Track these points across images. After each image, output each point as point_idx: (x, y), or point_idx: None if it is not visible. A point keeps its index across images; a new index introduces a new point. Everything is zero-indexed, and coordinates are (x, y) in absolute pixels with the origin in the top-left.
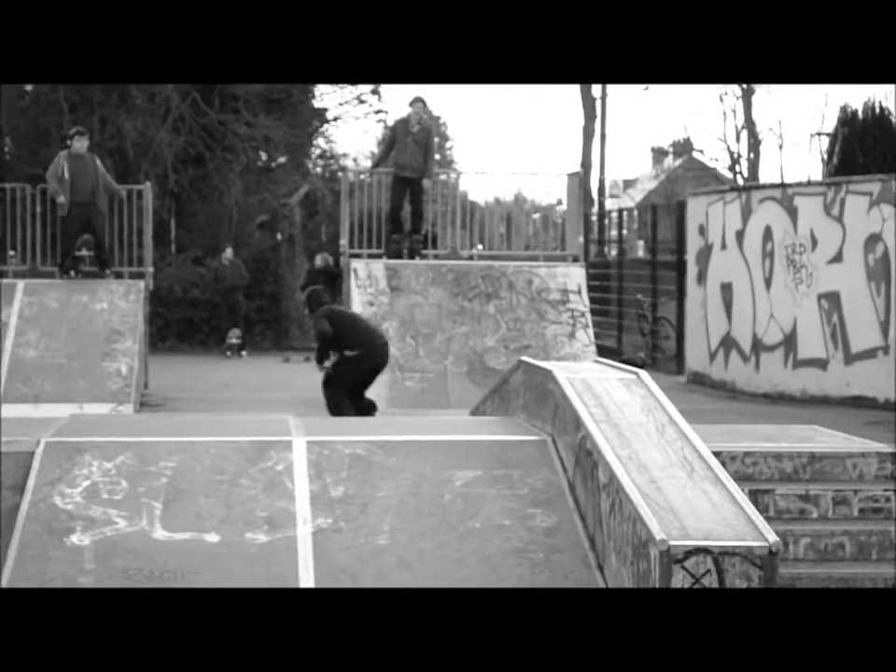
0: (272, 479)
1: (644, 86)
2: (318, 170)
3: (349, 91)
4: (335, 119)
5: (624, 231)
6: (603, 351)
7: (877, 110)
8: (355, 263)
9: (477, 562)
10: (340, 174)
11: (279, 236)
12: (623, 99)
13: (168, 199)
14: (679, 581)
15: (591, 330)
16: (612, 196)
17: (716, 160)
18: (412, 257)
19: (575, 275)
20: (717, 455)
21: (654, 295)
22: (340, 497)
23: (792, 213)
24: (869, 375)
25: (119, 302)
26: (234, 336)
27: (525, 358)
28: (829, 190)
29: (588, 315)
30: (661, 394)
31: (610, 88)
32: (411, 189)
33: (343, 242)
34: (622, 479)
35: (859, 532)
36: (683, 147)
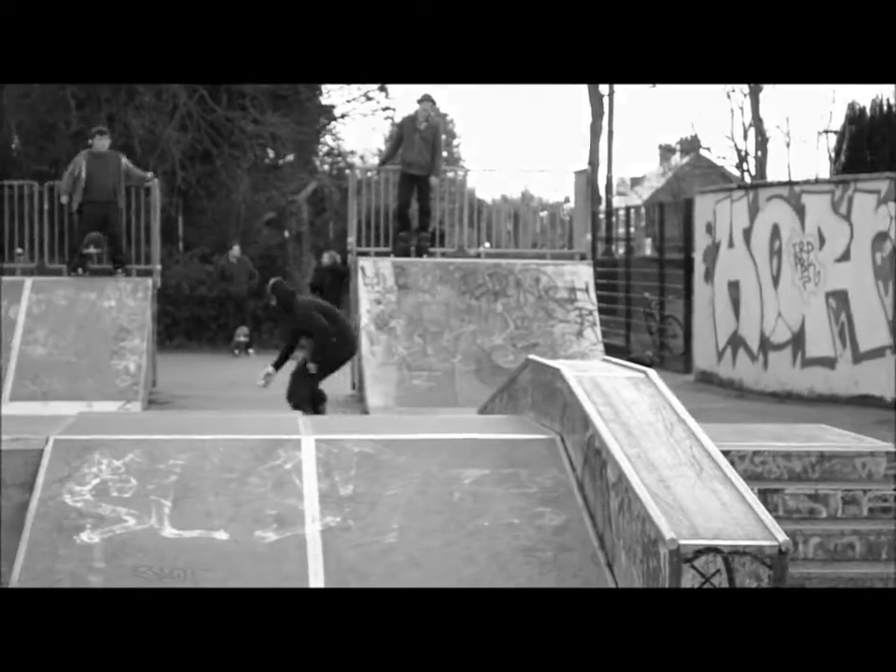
0: (281, 477)
1: (650, 85)
2: (326, 167)
3: (356, 88)
4: (342, 117)
5: (632, 229)
6: (611, 349)
7: (885, 108)
8: (362, 261)
9: (486, 560)
10: (347, 171)
11: (286, 234)
12: (631, 96)
13: (176, 196)
14: (689, 580)
15: (598, 329)
16: (620, 194)
17: (723, 157)
18: (419, 255)
19: (583, 273)
20: (726, 454)
21: (662, 293)
22: (349, 495)
23: (800, 211)
24: (877, 374)
25: (128, 300)
26: (242, 334)
27: (533, 357)
28: (836, 188)
29: (596, 314)
30: (669, 393)
31: (617, 86)
32: (418, 186)
33: (351, 240)
34: (630, 478)
35: (868, 532)
36: (691, 145)
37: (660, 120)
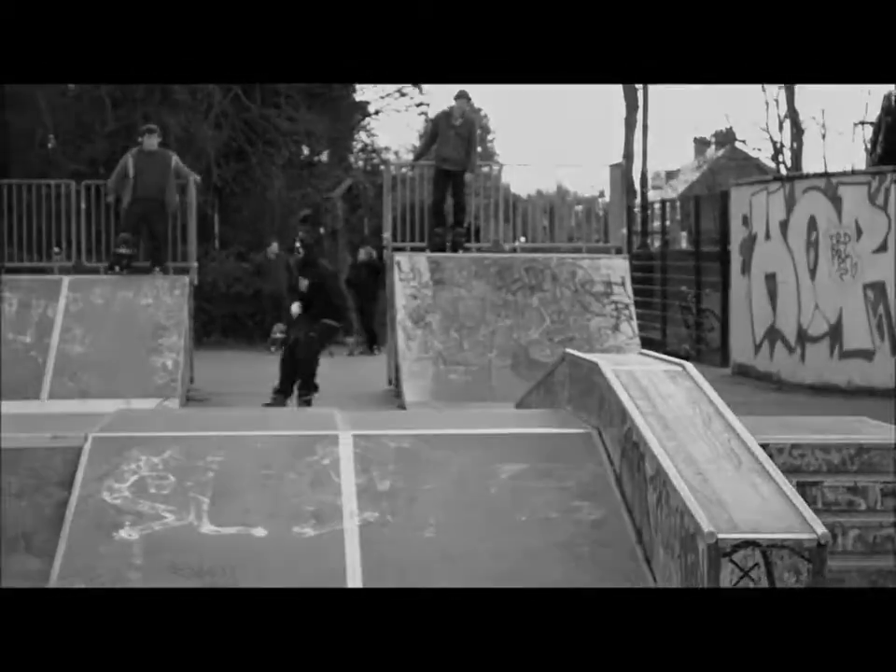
0: (318, 473)
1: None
2: (360, 164)
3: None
4: (376, 113)
5: (667, 223)
6: (647, 343)
7: None
8: (398, 257)
9: (523, 555)
10: (382, 167)
11: (321, 230)
12: (665, 89)
13: (211, 194)
14: (728, 574)
15: (635, 322)
16: (655, 187)
17: (759, 149)
18: (454, 250)
19: (618, 267)
20: (764, 447)
21: (698, 286)
22: (386, 490)
23: (837, 202)
24: None
25: (165, 298)
26: (279, 330)
27: (570, 351)
28: (873, 180)
29: (632, 307)
30: (707, 386)
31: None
32: (453, 182)
33: (387, 235)
34: (669, 471)
35: None
36: (726, 138)
37: (695, 113)
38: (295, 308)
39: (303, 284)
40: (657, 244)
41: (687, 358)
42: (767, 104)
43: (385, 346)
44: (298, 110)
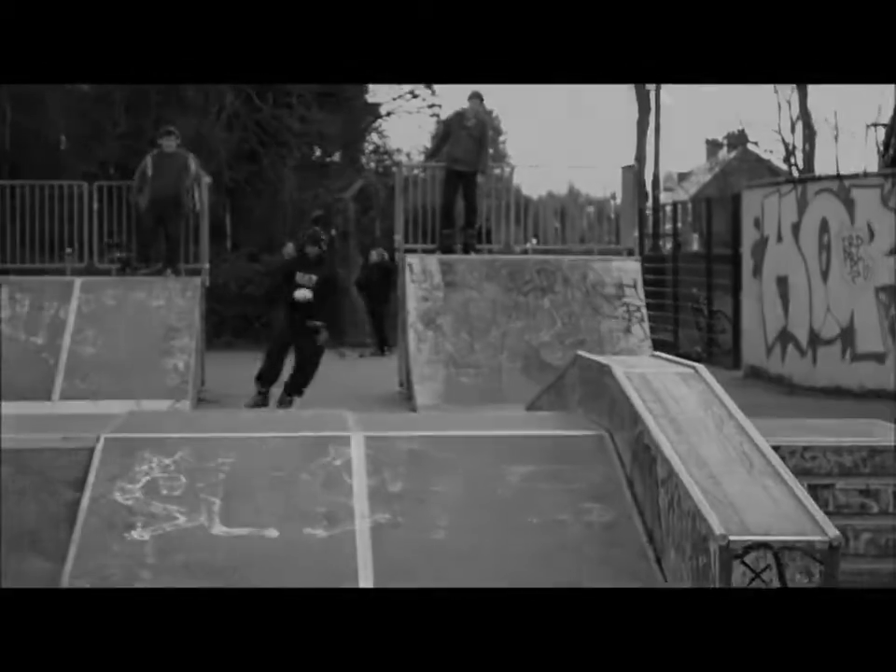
0: (330, 474)
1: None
2: (372, 165)
3: (402, 85)
4: (388, 114)
5: (679, 225)
6: (659, 345)
7: None
8: (409, 258)
9: (534, 557)
10: (394, 169)
11: (333, 231)
12: (677, 92)
13: (223, 195)
14: (739, 575)
15: (646, 325)
16: (667, 189)
17: (770, 151)
18: (466, 252)
19: (630, 269)
20: (776, 449)
21: (710, 289)
22: (398, 492)
23: (849, 205)
24: None
25: (177, 299)
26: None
27: (581, 353)
28: (886, 182)
29: (643, 310)
30: (719, 388)
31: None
32: (464, 183)
33: (398, 237)
34: (681, 474)
35: None
36: (738, 139)
37: (707, 115)
38: (304, 294)
39: (311, 279)
40: (669, 246)
41: (698, 361)
42: (780, 105)
43: (395, 348)
44: (310, 111)
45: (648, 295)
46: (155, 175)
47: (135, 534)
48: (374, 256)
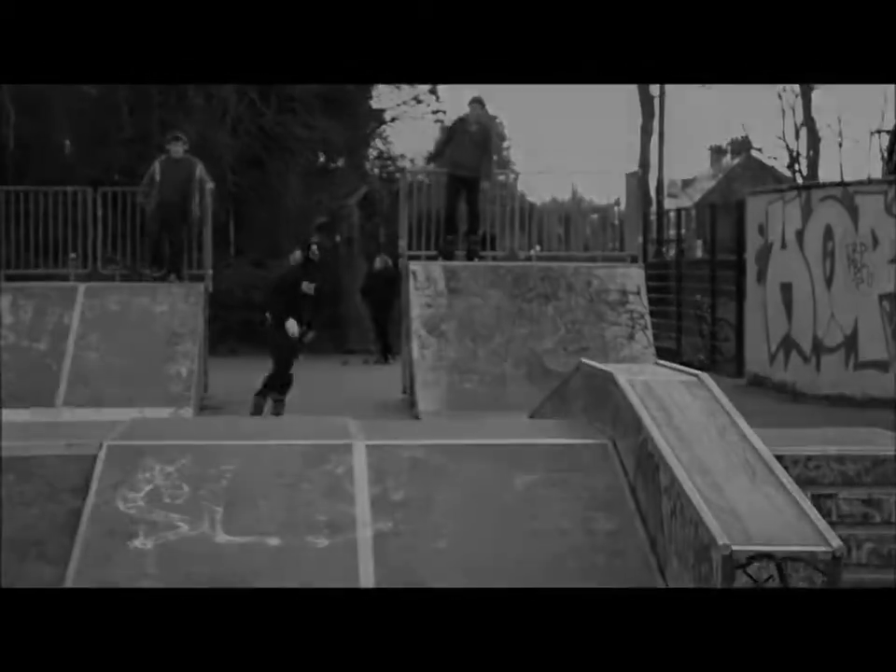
0: (332, 482)
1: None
2: (376, 171)
3: (406, 91)
4: (393, 120)
5: (683, 231)
6: (662, 352)
7: None
8: (413, 265)
9: (537, 565)
10: (398, 175)
11: (337, 238)
12: (681, 98)
13: (227, 201)
14: (742, 586)
15: (650, 332)
16: (671, 196)
17: (774, 158)
18: (469, 258)
19: (634, 276)
20: (779, 458)
21: (713, 296)
22: (400, 500)
23: (853, 212)
24: None
25: (180, 305)
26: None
27: (585, 360)
28: (890, 189)
29: (647, 317)
30: (723, 396)
31: (668, 87)
32: (467, 189)
33: (402, 243)
34: (683, 482)
35: None
36: (742, 146)
37: (711, 122)
38: (293, 328)
39: (309, 287)
40: (672, 252)
41: (702, 368)
42: (783, 112)
43: (399, 355)
44: (314, 117)
45: (651, 302)
46: (162, 181)
47: (138, 542)
48: (378, 262)
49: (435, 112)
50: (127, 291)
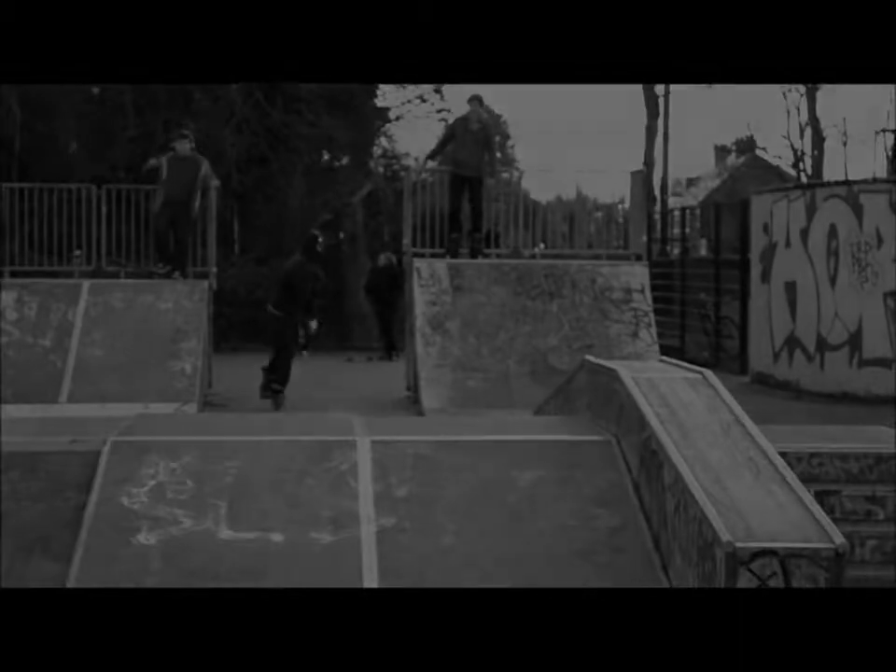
0: (336, 478)
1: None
2: (380, 169)
3: (411, 90)
4: (397, 119)
5: (687, 230)
6: (666, 350)
7: None
8: (418, 263)
9: (541, 562)
10: (402, 173)
11: (341, 235)
12: (686, 97)
13: (231, 199)
14: (745, 582)
15: (654, 330)
16: (675, 194)
17: (779, 157)
18: (473, 256)
19: (638, 274)
20: (783, 455)
21: (717, 294)
22: (404, 496)
23: (858, 210)
24: None
25: (184, 302)
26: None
27: (589, 358)
28: (894, 188)
29: (651, 315)
30: (726, 393)
31: (673, 86)
32: (470, 187)
33: (407, 241)
34: (687, 479)
35: None
36: (746, 145)
37: (715, 121)
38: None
39: (314, 325)
40: (677, 251)
41: (705, 366)
42: (788, 111)
43: (403, 352)
44: (319, 116)
45: (655, 300)
46: (168, 179)
47: (141, 538)
48: (382, 260)
49: (440, 111)
50: (131, 288)
